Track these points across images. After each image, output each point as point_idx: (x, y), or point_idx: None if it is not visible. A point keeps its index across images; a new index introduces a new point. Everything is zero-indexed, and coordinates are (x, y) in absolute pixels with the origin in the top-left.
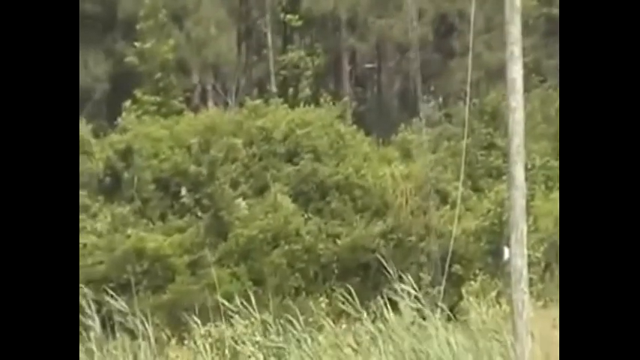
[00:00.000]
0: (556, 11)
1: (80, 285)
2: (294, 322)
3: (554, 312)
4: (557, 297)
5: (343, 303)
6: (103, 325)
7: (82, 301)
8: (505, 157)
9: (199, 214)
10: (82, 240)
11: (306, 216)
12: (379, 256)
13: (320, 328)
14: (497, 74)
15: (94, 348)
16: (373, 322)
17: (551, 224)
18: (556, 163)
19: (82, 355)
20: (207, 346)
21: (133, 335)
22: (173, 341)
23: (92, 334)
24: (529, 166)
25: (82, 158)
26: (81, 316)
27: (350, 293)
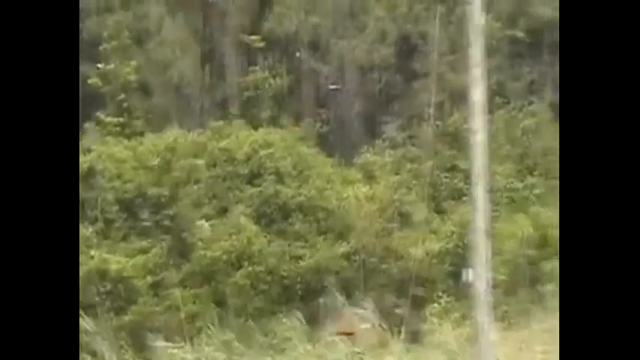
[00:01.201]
0: (520, 34)
1: None
2: (258, 342)
3: (518, 334)
4: (520, 319)
5: (306, 324)
6: None
7: None
8: (468, 179)
9: (162, 235)
10: None
11: (269, 237)
12: (340, 279)
13: (283, 350)
14: (460, 96)
15: None
16: (336, 343)
17: (514, 246)
18: (519, 185)
19: None
20: None
21: (94, 356)
22: None
23: None
24: (493, 188)
25: None
26: None
27: (312, 315)
